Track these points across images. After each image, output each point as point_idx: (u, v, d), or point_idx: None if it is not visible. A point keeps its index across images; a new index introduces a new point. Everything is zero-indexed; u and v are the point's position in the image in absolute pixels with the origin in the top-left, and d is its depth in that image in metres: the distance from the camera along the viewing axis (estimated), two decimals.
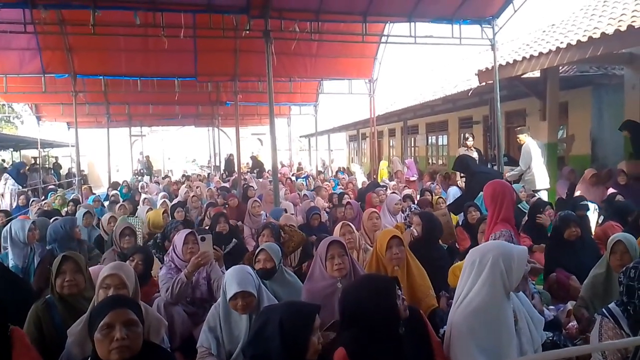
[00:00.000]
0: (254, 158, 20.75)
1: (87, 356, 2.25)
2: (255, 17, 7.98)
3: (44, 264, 4.89)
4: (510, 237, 3.63)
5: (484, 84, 10.28)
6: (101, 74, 11.94)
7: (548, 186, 8.55)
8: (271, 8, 7.90)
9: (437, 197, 8.13)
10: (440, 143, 18.96)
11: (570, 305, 3.94)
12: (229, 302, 2.98)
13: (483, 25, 9.30)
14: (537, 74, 9.60)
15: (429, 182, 11.95)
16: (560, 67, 9.57)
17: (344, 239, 3.91)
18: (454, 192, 8.93)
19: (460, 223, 6.45)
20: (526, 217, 6.12)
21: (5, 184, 12.02)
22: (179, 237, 4.03)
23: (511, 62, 9.17)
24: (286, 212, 7.01)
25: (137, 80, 12.13)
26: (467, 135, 10.73)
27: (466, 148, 10.43)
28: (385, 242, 3.51)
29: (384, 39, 11.42)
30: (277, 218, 6.41)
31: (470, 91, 11.30)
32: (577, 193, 7.97)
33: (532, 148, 8.47)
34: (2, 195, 12.36)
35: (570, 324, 3.65)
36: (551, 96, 9.45)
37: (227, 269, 3.33)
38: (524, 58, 8.83)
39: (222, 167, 20.56)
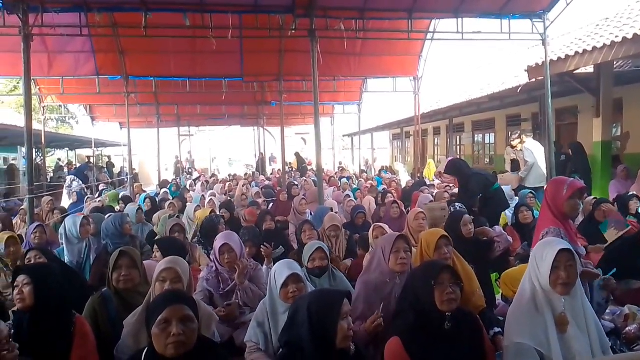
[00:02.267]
0: (297, 154, 20.90)
1: (143, 347, 2.32)
2: (301, 17, 8.03)
3: (100, 260, 5.09)
4: (559, 234, 3.50)
5: (533, 80, 9.99)
6: (151, 75, 12.31)
7: (543, 185, 8.60)
8: (316, 7, 7.95)
9: None
10: (486, 142, 18.54)
11: (627, 309, 3.78)
12: (280, 292, 3.02)
13: (533, 20, 9.03)
14: (590, 69, 9.26)
15: None
16: (615, 62, 9.20)
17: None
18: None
19: (510, 223, 6.29)
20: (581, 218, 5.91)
21: (70, 185, 12.55)
22: (216, 244, 4.08)
23: (563, 57, 8.86)
24: (332, 210, 7.02)
25: (186, 81, 12.45)
26: (512, 134, 10.43)
27: (513, 148, 10.11)
28: (434, 242, 3.46)
29: (429, 35, 11.27)
30: (323, 216, 6.42)
31: (520, 88, 10.99)
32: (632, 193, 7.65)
33: (533, 148, 8.99)
34: (69, 195, 12.89)
35: (627, 328, 3.50)
36: (605, 92, 9.10)
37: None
38: (576, 53, 8.53)
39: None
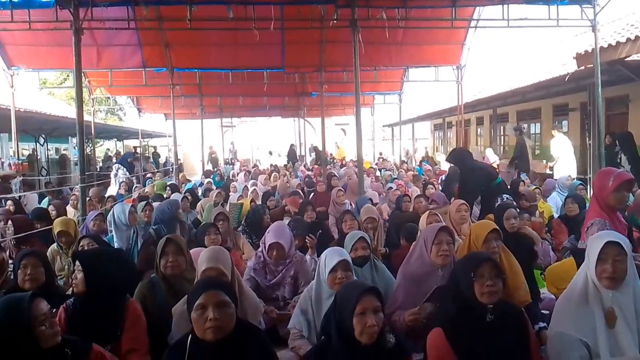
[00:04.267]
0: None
1: (188, 332, 2.40)
2: (342, 7, 8.01)
3: (146, 246, 5.30)
4: (604, 226, 3.39)
5: (582, 68, 9.62)
6: (195, 68, 12.55)
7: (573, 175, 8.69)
8: None
9: (534, 188, 7.76)
10: (532, 132, 18.03)
11: None
12: (328, 277, 3.06)
13: (583, 5, 8.67)
14: None
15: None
16: None
17: None
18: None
19: (558, 215, 6.13)
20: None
21: (116, 173, 13.02)
22: (267, 239, 4.12)
23: (614, 44, 8.51)
24: (371, 201, 7.01)
25: (229, 72, 12.63)
26: (553, 127, 10.30)
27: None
28: (484, 235, 3.40)
29: (473, 23, 11.02)
30: (362, 207, 6.44)
31: (568, 76, 10.62)
32: None
33: (560, 142, 9.40)
34: (116, 183, 13.38)
35: None
36: None
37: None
38: (628, 39, 8.17)
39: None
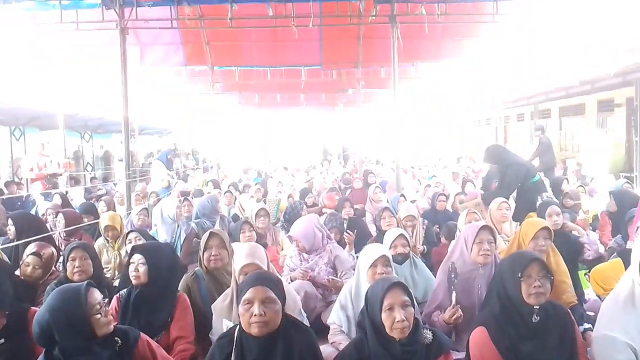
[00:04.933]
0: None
1: (236, 324, 2.46)
2: (381, 2, 7.96)
3: (189, 240, 5.46)
4: None
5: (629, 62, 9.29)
6: (235, 65, 12.71)
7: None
8: None
9: (578, 186, 7.55)
10: (575, 128, 17.48)
11: None
12: (368, 271, 3.08)
13: None
14: None
15: (561, 170, 11.23)
16: None
17: None
18: None
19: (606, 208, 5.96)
20: None
21: (156, 169, 13.38)
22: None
23: None
24: (404, 198, 6.98)
25: (267, 70, 12.74)
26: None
27: None
28: (534, 232, 3.36)
29: (516, 16, 10.73)
30: (396, 203, 6.43)
31: (614, 71, 10.27)
32: None
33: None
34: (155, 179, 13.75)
35: None
36: None
37: None
38: None
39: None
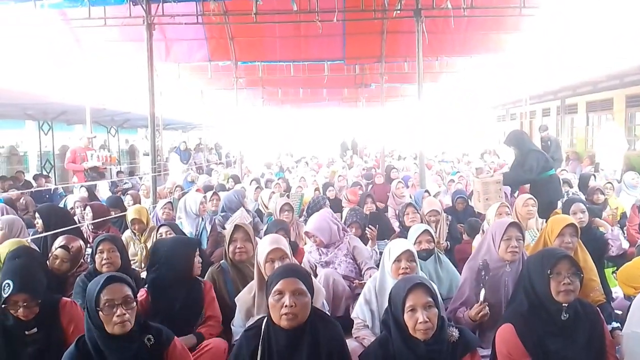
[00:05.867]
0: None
1: (262, 317, 2.49)
2: None
3: (214, 234, 5.54)
4: None
5: None
6: (258, 60, 12.77)
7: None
8: None
9: (606, 182, 7.40)
10: (603, 124, 17.10)
11: None
12: (392, 266, 3.08)
13: None
14: None
15: (589, 166, 11.02)
16: None
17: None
18: None
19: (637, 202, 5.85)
20: None
21: (172, 163, 13.54)
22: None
23: None
24: (428, 193, 6.94)
25: (290, 64, 12.77)
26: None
27: None
28: (559, 228, 3.32)
29: (547, 9, 10.53)
30: (420, 199, 6.39)
31: None
32: None
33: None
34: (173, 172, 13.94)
35: None
36: None
37: None
38: None
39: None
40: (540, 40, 12.63)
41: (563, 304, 2.36)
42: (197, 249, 3.35)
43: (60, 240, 3.93)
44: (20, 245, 3.67)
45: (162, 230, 4.55)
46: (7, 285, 2.60)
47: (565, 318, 2.36)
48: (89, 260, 4.08)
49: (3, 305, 2.60)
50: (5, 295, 2.59)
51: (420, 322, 2.22)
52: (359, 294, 3.51)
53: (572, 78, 13.85)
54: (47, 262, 3.85)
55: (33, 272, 2.80)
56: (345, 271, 4.09)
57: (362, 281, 3.83)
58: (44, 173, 13.12)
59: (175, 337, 2.51)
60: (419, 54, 7.64)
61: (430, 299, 2.27)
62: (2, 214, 5.34)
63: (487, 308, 2.90)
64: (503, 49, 13.08)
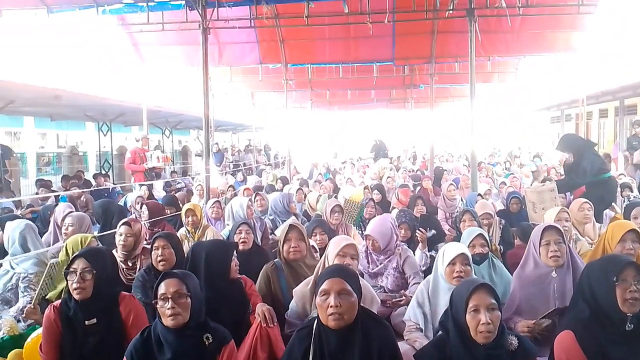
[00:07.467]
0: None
1: (313, 317, 2.50)
2: None
3: (266, 236, 5.63)
4: None
5: None
6: (308, 63, 12.88)
7: None
8: None
9: None
10: None
11: None
12: (446, 269, 3.05)
13: None
14: None
15: None
16: None
17: (560, 225, 3.67)
18: None
19: None
20: None
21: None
22: (367, 229, 4.32)
23: None
24: (481, 196, 6.81)
25: (339, 66, 12.82)
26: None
27: None
28: (620, 234, 3.21)
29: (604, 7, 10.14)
30: (473, 203, 6.28)
31: None
32: None
33: None
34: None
35: None
36: None
37: None
38: None
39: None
40: (598, 39, 12.13)
41: (628, 314, 2.27)
42: (235, 252, 3.41)
43: (122, 222, 4.18)
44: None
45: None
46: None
47: (629, 329, 2.27)
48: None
49: (65, 272, 2.82)
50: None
51: (482, 324, 2.19)
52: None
53: (631, 77, 13.23)
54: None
55: (102, 251, 3.10)
56: (392, 285, 4.04)
57: (397, 299, 3.80)
58: (103, 172, 13.70)
59: (232, 340, 2.57)
60: (472, 54, 7.52)
61: (494, 301, 2.24)
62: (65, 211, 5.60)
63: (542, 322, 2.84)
64: (558, 48, 12.66)
